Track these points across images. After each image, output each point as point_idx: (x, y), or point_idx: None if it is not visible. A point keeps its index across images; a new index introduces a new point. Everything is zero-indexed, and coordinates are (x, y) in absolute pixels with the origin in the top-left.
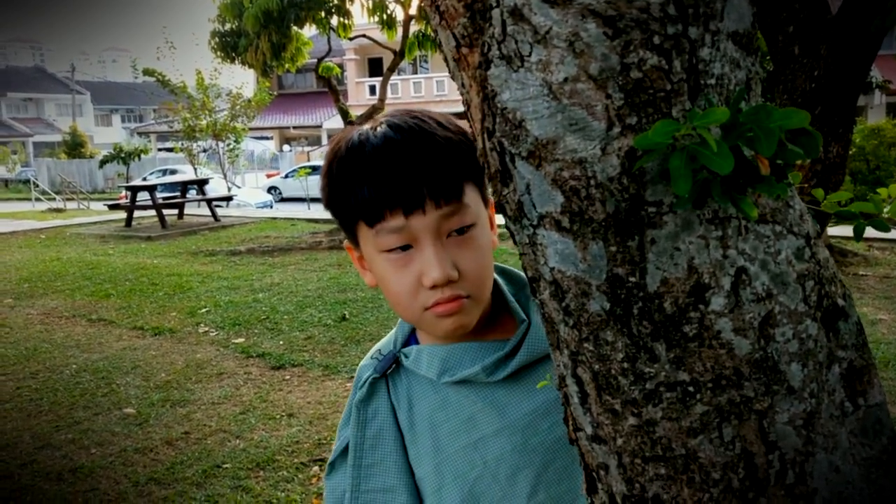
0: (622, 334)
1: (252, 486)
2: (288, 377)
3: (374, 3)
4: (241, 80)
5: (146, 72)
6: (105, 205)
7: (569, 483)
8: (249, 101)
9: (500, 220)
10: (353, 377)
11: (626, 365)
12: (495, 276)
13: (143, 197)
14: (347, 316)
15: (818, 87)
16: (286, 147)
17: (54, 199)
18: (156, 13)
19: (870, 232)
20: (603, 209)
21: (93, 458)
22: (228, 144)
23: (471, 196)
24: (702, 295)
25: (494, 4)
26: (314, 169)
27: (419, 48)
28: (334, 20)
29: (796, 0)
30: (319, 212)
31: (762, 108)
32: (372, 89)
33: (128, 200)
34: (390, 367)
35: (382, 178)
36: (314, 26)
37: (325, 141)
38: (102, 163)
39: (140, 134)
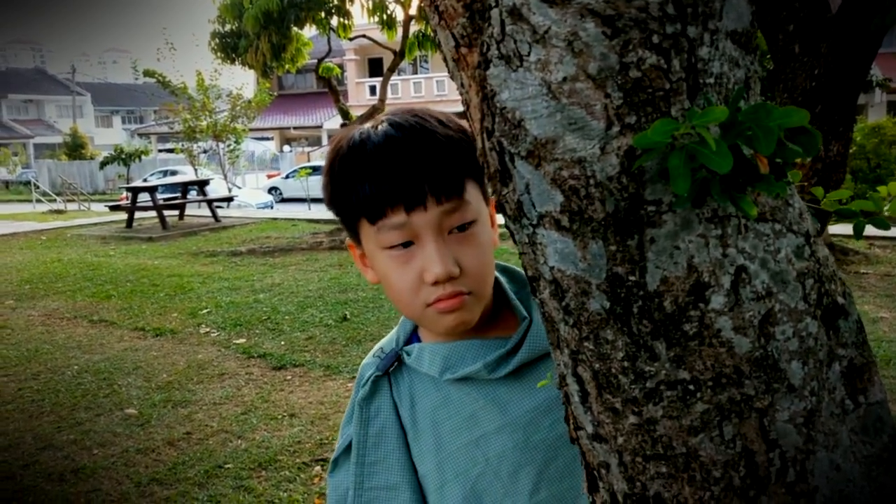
0: (622, 333)
1: (254, 487)
2: (289, 377)
3: (374, 3)
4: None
5: (147, 73)
6: (106, 206)
7: (570, 481)
8: (250, 101)
9: (500, 218)
10: (354, 377)
11: (626, 364)
12: (497, 273)
13: (143, 198)
14: (348, 316)
15: (818, 86)
16: (286, 148)
17: (55, 200)
18: (156, 14)
19: (871, 230)
20: (602, 208)
21: (95, 458)
22: (229, 145)
23: (472, 193)
24: (702, 293)
25: (493, 4)
26: (315, 169)
27: (419, 48)
28: (334, 20)
29: None
30: (320, 212)
31: (761, 107)
32: (372, 89)
33: (128, 201)
34: (392, 365)
35: (384, 175)
36: (314, 27)
37: (325, 141)
38: (103, 164)
39: (141, 135)
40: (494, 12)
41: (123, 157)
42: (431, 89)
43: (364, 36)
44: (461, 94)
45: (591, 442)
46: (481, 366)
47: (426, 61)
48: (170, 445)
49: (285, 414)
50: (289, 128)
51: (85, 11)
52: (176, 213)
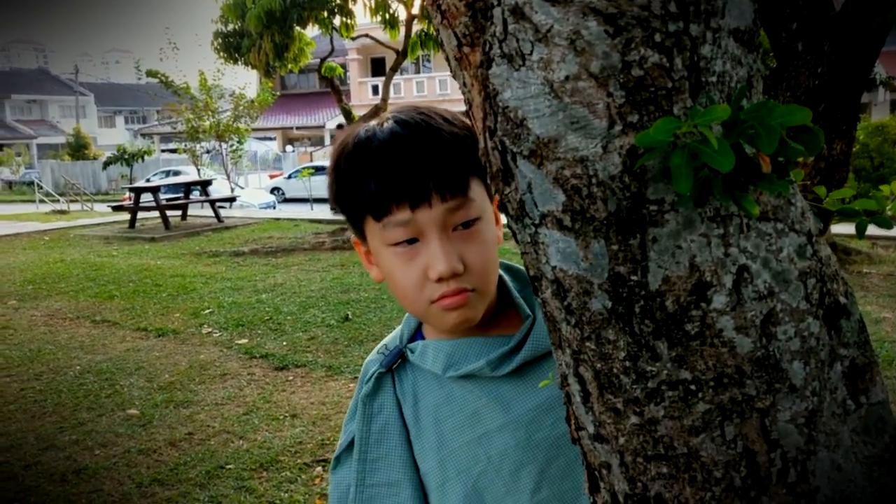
0: (624, 333)
1: (255, 487)
2: (291, 378)
3: (377, 2)
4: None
5: (149, 73)
6: (109, 206)
7: (572, 480)
8: (252, 101)
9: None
10: (356, 378)
11: (627, 364)
12: (501, 272)
13: (146, 198)
14: (350, 316)
15: (821, 84)
16: (289, 148)
17: (58, 200)
18: (158, 14)
19: (874, 230)
20: (604, 207)
21: (97, 459)
22: (231, 145)
23: (476, 190)
24: (703, 293)
25: (496, 3)
26: (317, 169)
27: (422, 48)
28: (337, 20)
29: None
30: (323, 212)
31: (764, 106)
32: (375, 89)
33: (131, 202)
34: (396, 362)
35: (389, 172)
36: (317, 26)
37: (328, 141)
38: (106, 164)
39: (143, 135)
40: (497, 11)
41: (126, 157)
42: (434, 89)
43: (367, 35)
44: (464, 93)
45: (593, 442)
46: (484, 363)
47: (429, 61)
48: (171, 446)
49: (287, 414)
50: (291, 128)
51: (87, 11)
52: (179, 213)
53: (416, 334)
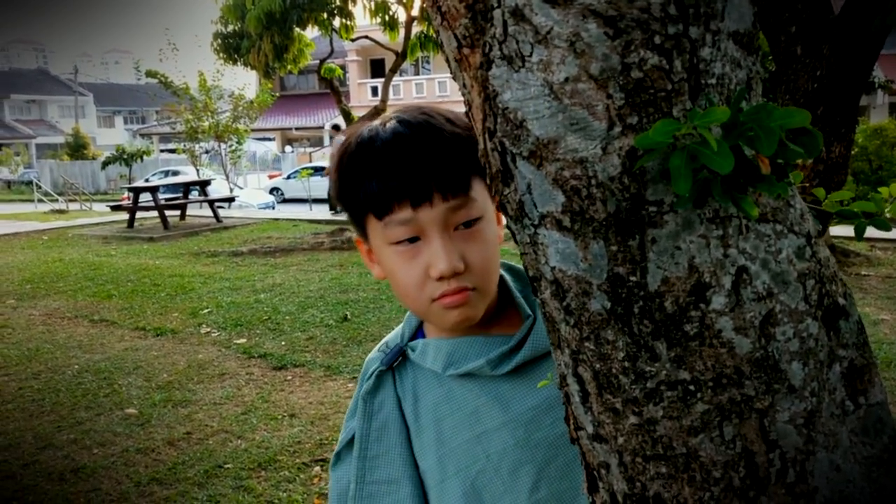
0: (623, 333)
1: (254, 487)
2: (290, 377)
3: (377, 4)
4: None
5: (149, 73)
6: (107, 206)
7: (570, 480)
8: (252, 102)
9: None
10: (354, 378)
11: (626, 364)
12: (502, 272)
13: (145, 198)
14: (349, 316)
15: (820, 87)
16: (288, 148)
17: (57, 200)
18: (158, 15)
19: (873, 232)
20: (604, 208)
21: (95, 458)
22: (231, 146)
23: (478, 190)
24: (702, 294)
25: (496, 5)
26: (316, 170)
27: (421, 49)
28: (336, 21)
29: (798, 0)
30: (321, 213)
31: (763, 108)
32: (374, 90)
33: (130, 202)
34: (397, 360)
35: (391, 171)
36: (316, 28)
37: (327, 142)
38: (105, 164)
39: (142, 135)
40: (497, 13)
41: (125, 157)
42: (433, 90)
43: (366, 37)
44: (463, 94)
45: (592, 442)
46: (484, 362)
47: (428, 62)
48: (170, 445)
49: (285, 414)
50: (290, 128)
51: (87, 12)
52: (177, 213)
53: (418, 333)
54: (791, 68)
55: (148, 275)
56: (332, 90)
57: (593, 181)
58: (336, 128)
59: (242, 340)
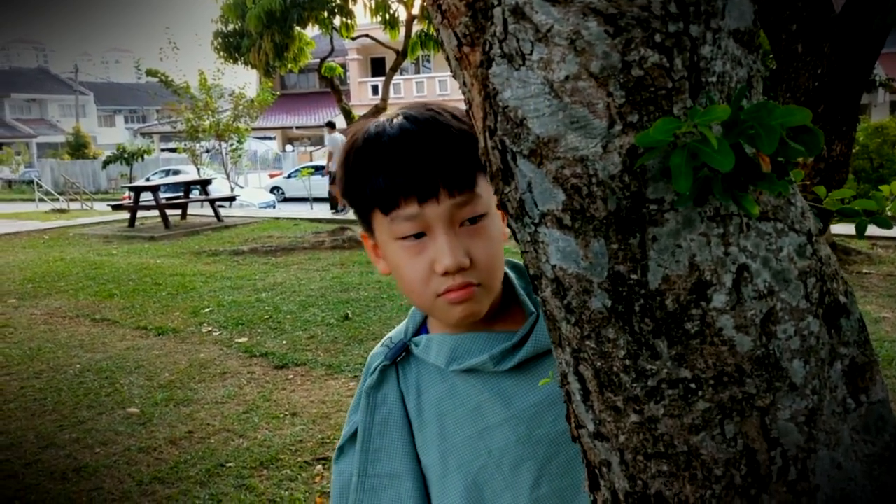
0: (624, 332)
1: (255, 485)
2: (291, 376)
3: (377, 2)
4: (244, 80)
5: (149, 72)
6: (108, 205)
7: (572, 478)
8: (252, 101)
9: None
10: (356, 376)
11: (627, 362)
12: (506, 269)
13: (146, 197)
14: (350, 315)
15: (821, 86)
16: (289, 147)
17: (58, 199)
18: (158, 14)
19: (874, 230)
20: (604, 207)
21: (97, 457)
22: (231, 145)
23: (483, 187)
24: (703, 292)
25: (496, 3)
26: (317, 169)
27: (422, 48)
28: (337, 20)
29: None
30: (322, 212)
31: (763, 106)
32: (375, 89)
33: (131, 201)
34: (401, 355)
35: (398, 166)
36: (317, 26)
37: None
38: (106, 163)
39: (143, 134)
40: (497, 11)
41: (126, 156)
42: (434, 89)
43: (367, 35)
44: (464, 93)
45: (593, 440)
46: (487, 357)
47: (429, 61)
48: (171, 444)
49: (287, 413)
50: (291, 127)
51: (87, 11)
52: (178, 212)
53: (422, 328)
54: (792, 66)
55: (149, 274)
56: (333, 89)
57: (594, 179)
58: (330, 125)
59: (244, 339)
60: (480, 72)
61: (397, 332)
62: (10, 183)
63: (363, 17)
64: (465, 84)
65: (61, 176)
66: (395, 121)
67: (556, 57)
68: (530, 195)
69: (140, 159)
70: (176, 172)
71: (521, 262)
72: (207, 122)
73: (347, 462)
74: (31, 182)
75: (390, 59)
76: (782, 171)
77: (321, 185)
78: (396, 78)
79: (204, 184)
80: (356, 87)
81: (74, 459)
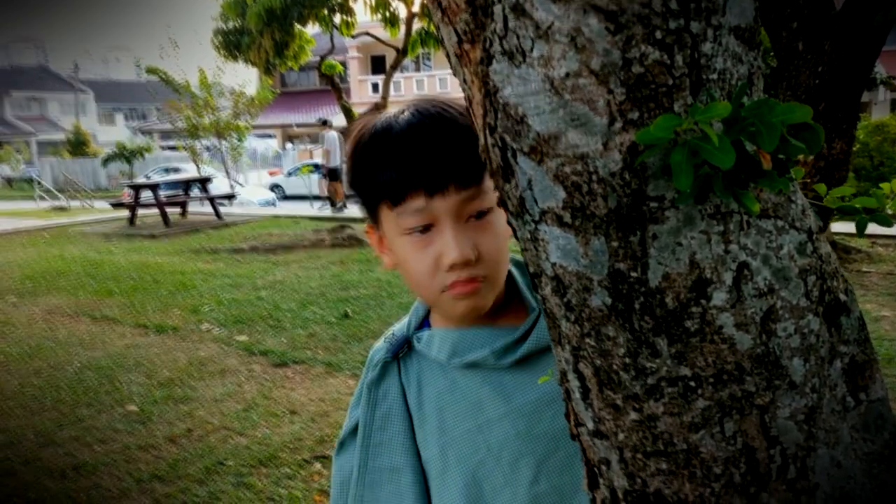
0: (624, 329)
1: (254, 483)
2: (290, 374)
3: (377, 0)
4: (244, 78)
5: (149, 70)
6: (108, 203)
7: (571, 475)
8: (252, 99)
9: None
10: (355, 375)
11: (627, 360)
12: (510, 266)
13: (146, 195)
14: (350, 313)
15: (822, 83)
16: (289, 145)
17: (58, 197)
18: (158, 12)
19: (874, 229)
20: (605, 204)
21: (96, 455)
22: (231, 142)
23: (490, 182)
24: (703, 290)
25: (496, 0)
26: (317, 167)
27: (422, 46)
28: (337, 18)
29: None
30: (322, 210)
31: (764, 103)
32: (375, 87)
33: (131, 199)
34: (402, 350)
35: (407, 160)
36: (317, 24)
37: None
38: (106, 161)
39: (143, 132)
40: (497, 8)
41: (126, 154)
42: (434, 87)
43: (367, 33)
44: (464, 90)
45: (592, 438)
46: (489, 352)
47: (429, 59)
48: (170, 442)
49: (286, 411)
50: (291, 125)
51: (87, 9)
52: (178, 210)
53: (424, 324)
54: (792, 64)
55: (149, 272)
56: (333, 87)
57: (594, 177)
58: (323, 122)
59: (243, 337)
60: (480, 69)
61: (399, 326)
62: (9, 181)
63: (363, 14)
64: (465, 81)
65: (61, 174)
66: (403, 115)
67: (556, 54)
68: (530, 193)
69: (140, 157)
70: (176, 170)
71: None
72: (207, 120)
73: (348, 456)
74: (30, 180)
75: (390, 56)
76: (783, 169)
77: (322, 184)
78: (397, 76)
79: (204, 182)
80: (356, 84)
81: (73, 457)
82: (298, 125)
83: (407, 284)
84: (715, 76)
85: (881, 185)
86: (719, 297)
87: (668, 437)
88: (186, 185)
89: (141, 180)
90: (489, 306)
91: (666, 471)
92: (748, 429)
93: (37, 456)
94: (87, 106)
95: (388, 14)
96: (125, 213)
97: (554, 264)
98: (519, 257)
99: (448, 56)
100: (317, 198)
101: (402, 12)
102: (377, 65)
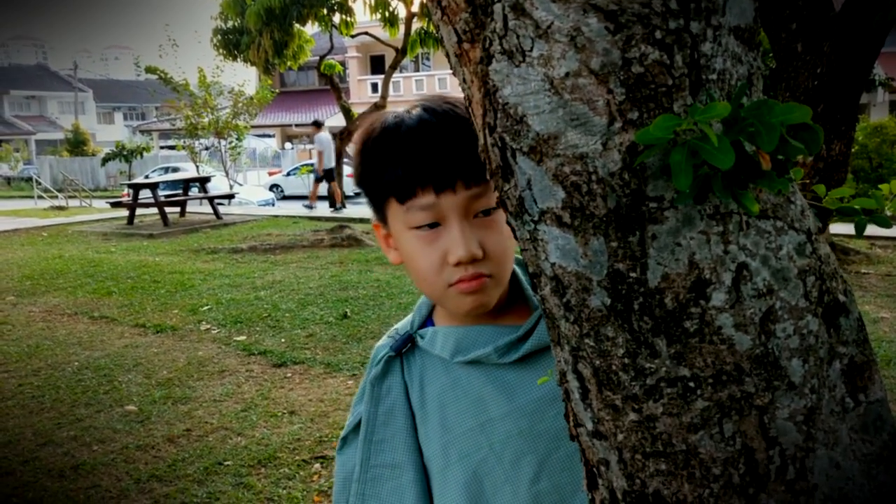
0: (623, 330)
1: (253, 484)
2: (289, 375)
3: (377, 0)
4: (243, 77)
5: (148, 69)
6: (107, 203)
7: (571, 474)
8: (251, 98)
9: None
10: (354, 375)
11: (626, 360)
12: (514, 266)
13: (145, 195)
14: (349, 314)
15: (821, 85)
16: (288, 145)
17: (56, 196)
18: (157, 11)
19: (872, 230)
20: (604, 204)
21: (94, 455)
22: (230, 142)
23: None
24: (703, 290)
25: None
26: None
27: (421, 45)
28: (336, 18)
29: None
30: (322, 210)
31: (764, 104)
32: (374, 87)
33: (130, 198)
34: (406, 347)
35: (417, 157)
36: (316, 24)
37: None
38: (105, 160)
39: (142, 132)
40: (497, 7)
41: (125, 153)
42: (434, 87)
43: (366, 33)
44: (463, 89)
45: (591, 439)
46: (492, 349)
47: (428, 59)
48: (169, 442)
49: (285, 411)
50: (290, 125)
51: (86, 8)
52: (177, 209)
53: (428, 321)
54: (791, 65)
55: (148, 272)
56: (332, 86)
57: (593, 177)
58: (316, 124)
59: (242, 337)
60: (480, 68)
61: (403, 324)
62: (8, 180)
63: (363, 14)
64: (464, 81)
65: (60, 173)
66: (413, 112)
67: (556, 53)
68: (530, 193)
69: (139, 157)
70: (175, 170)
71: None
72: (206, 120)
73: (351, 452)
74: (29, 179)
75: (390, 56)
76: (782, 169)
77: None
78: (396, 75)
79: (203, 181)
80: (356, 84)
81: (72, 457)
82: (297, 125)
83: (413, 280)
84: (714, 76)
85: (880, 186)
86: (718, 298)
87: (667, 437)
88: (185, 184)
89: (140, 180)
90: (493, 303)
91: (665, 471)
92: (747, 429)
93: (35, 455)
94: (87, 105)
95: (387, 14)
96: (124, 212)
97: (553, 264)
98: (520, 256)
99: (448, 56)
100: (305, 197)
101: (402, 12)
102: (376, 65)
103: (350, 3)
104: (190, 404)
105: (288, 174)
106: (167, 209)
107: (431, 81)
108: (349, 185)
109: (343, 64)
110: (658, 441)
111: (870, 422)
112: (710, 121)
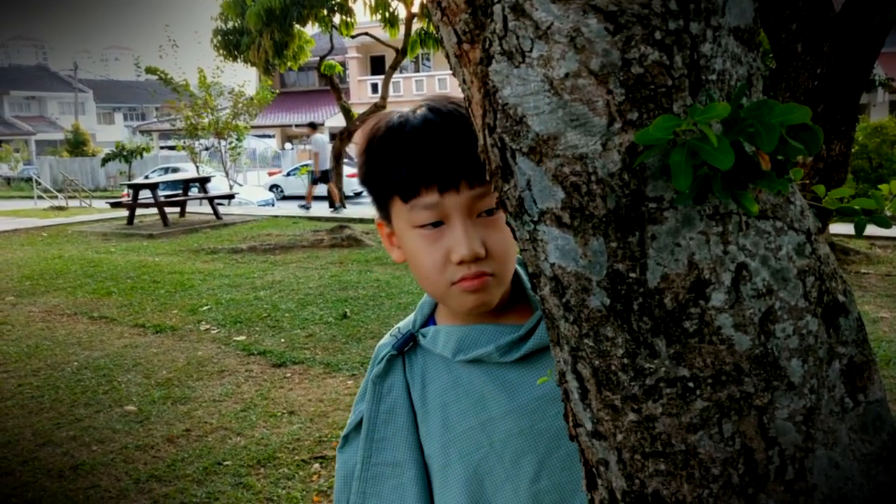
0: (622, 330)
1: (253, 484)
2: (289, 375)
3: (377, 1)
4: (243, 78)
5: (149, 70)
6: (107, 203)
7: (571, 473)
8: (251, 99)
9: None
10: (354, 375)
11: (626, 361)
12: (516, 266)
13: (145, 195)
14: (348, 314)
15: (821, 85)
16: (288, 145)
17: (56, 197)
18: (158, 12)
19: (872, 230)
20: (604, 205)
21: (94, 455)
22: (230, 142)
23: None
24: (702, 291)
25: (496, 0)
26: None
27: (421, 46)
28: (337, 18)
29: None
30: (321, 210)
31: (763, 104)
32: (374, 87)
33: (130, 198)
34: (408, 345)
35: (421, 156)
36: (316, 24)
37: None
38: (104, 161)
39: (142, 132)
40: (497, 8)
41: (125, 154)
42: (433, 87)
43: (366, 34)
44: (463, 90)
45: (591, 439)
46: (493, 348)
47: (428, 59)
48: (169, 442)
49: (285, 411)
50: (290, 125)
51: (86, 9)
52: (177, 210)
53: (430, 320)
54: (791, 66)
55: (147, 272)
56: (332, 87)
57: (593, 177)
58: (312, 126)
59: (242, 337)
60: (480, 69)
61: (405, 322)
62: (8, 180)
63: (363, 15)
64: (464, 81)
65: (60, 173)
66: (418, 112)
67: (555, 54)
68: (529, 193)
69: (139, 157)
70: (175, 170)
71: None
72: (206, 120)
73: (352, 451)
74: (29, 179)
75: (390, 57)
76: (782, 170)
77: (321, 184)
78: (396, 76)
79: (203, 182)
80: (356, 85)
81: (71, 457)
82: (297, 125)
83: (415, 278)
84: (714, 77)
85: (880, 186)
86: (718, 298)
87: (667, 437)
88: (185, 184)
89: (140, 180)
90: (495, 302)
91: (664, 472)
92: (746, 430)
93: (35, 456)
94: (87, 105)
95: (387, 14)
96: (124, 212)
97: (553, 265)
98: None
99: (448, 56)
100: (304, 198)
101: (402, 13)
102: (376, 65)
103: (350, 4)
104: (189, 404)
105: (288, 174)
106: (167, 209)
107: (431, 82)
108: (349, 185)
109: (343, 64)
110: (657, 441)
111: (869, 422)
112: (709, 121)
